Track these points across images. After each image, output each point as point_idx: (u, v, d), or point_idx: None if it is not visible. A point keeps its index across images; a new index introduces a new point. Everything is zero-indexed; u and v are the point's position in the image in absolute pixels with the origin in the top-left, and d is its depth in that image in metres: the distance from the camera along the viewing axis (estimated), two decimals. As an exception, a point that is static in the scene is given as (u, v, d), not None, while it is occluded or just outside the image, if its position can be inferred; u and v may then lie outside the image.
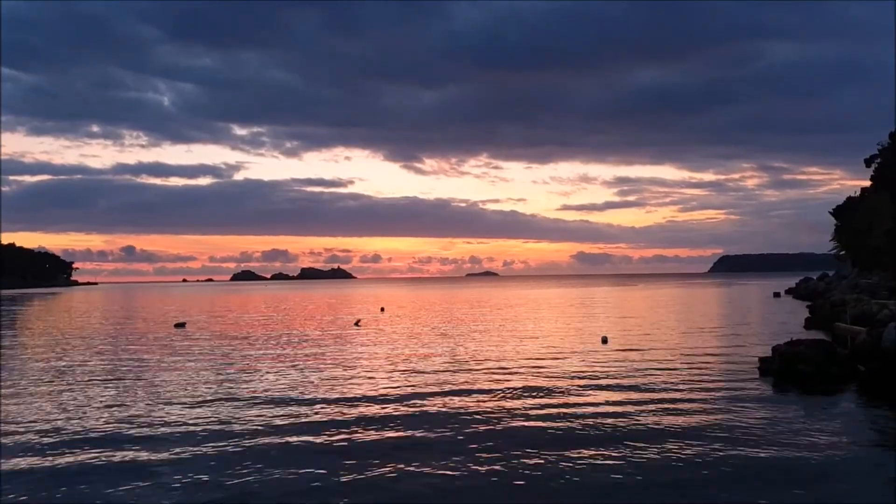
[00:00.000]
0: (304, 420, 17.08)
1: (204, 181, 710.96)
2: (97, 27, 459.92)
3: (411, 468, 12.87)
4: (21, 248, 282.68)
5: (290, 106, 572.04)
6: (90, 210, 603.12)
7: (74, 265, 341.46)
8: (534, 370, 24.96)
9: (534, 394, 20.18)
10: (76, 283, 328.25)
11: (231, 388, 21.93)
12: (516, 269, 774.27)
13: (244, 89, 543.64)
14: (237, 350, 33.36)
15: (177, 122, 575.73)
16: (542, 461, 13.15)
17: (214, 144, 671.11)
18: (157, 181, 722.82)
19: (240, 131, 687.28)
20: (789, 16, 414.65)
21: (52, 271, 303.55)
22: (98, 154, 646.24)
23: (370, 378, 23.78)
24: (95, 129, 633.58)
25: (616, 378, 22.81)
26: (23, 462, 13.60)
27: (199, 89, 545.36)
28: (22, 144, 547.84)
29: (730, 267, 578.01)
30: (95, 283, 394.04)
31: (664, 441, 14.52)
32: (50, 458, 13.82)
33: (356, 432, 15.74)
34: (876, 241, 54.98)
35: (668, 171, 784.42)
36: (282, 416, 17.58)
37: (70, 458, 13.79)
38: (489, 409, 18.04)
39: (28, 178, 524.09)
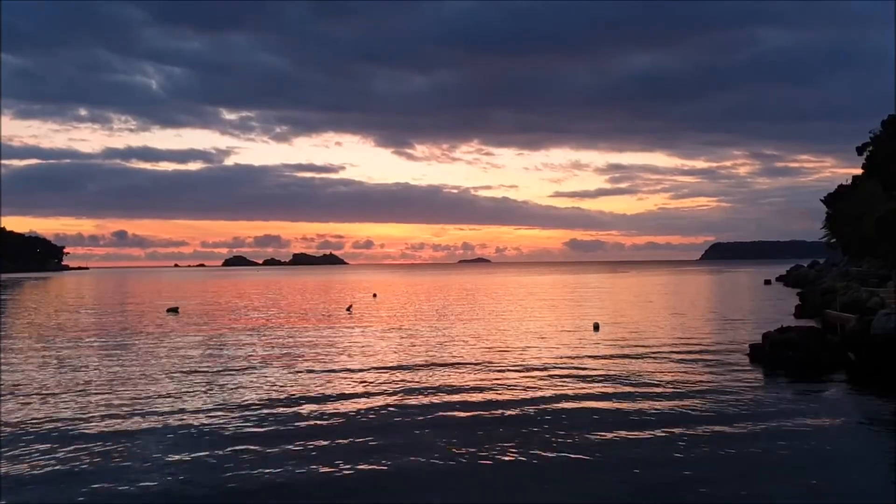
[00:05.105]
0: (294, 407, 17.06)
1: (194, 166, 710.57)
2: (84, 9, 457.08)
3: (405, 461, 12.87)
4: (12, 233, 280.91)
5: (280, 90, 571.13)
6: (80, 194, 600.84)
7: (66, 250, 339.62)
8: (525, 357, 25.03)
9: (525, 381, 20.24)
10: (67, 268, 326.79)
11: (223, 374, 21.91)
12: (508, 256, 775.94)
13: (233, 73, 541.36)
14: (229, 335, 33.32)
15: (165, 106, 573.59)
16: (533, 451, 13.18)
17: (204, 129, 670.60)
18: (147, 165, 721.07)
19: (229, 115, 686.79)
20: (783, 2, 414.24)
21: (43, 256, 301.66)
22: (87, 138, 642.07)
23: (361, 364, 23.79)
24: (83, 112, 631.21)
25: (607, 365, 22.91)
26: (14, 454, 13.57)
27: (187, 73, 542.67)
28: (10, 128, 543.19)
29: (721, 254, 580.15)
30: (87, 268, 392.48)
31: (654, 428, 14.59)
32: (40, 450, 13.76)
33: (347, 421, 15.76)
34: (867, 229, 55.18)
35: (659, 158, 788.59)
36: (273, 403, 17.57)
37: (60, 451, 13.68)
38: (479, 398, 18.08)
39: (16, 163, 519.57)
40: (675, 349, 26.43)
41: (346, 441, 13.80)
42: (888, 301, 28.95)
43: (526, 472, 11.84)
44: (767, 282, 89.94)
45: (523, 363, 23.38)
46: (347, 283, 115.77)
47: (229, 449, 13.25)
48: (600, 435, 14.02)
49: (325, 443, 13.69)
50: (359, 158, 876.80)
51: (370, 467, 12.14)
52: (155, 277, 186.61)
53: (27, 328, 38.45)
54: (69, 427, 15.02)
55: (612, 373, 21.24)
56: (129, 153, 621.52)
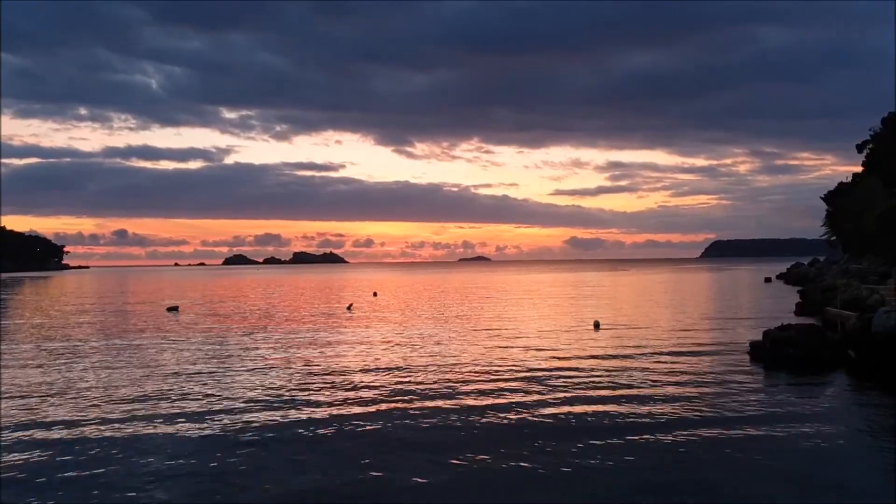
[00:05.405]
0: (294, 410, 17.02)
1: (195, 165, 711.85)
2: (84, 9, 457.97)
3: (403, 463, 12.83)
4: (12, 232, 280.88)
5: (280, 89, 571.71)
6: (80, 193, 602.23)
7: (66, 249, 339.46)
8: (526, 356, 25.01)
9: (525, 381, 20.19)
10: (68, 267, 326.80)
11: (221, 373, 21.89)
12: (509, 254, 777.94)
13: (233, 72, 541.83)
14: (229, 334, 33.30)
15: (165, 105, 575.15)
16: (532, 453, 13.12)
17: (204, 127, 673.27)
18: (148, 164, 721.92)
19: (229, 114, 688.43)
20: (783, 1, 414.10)
21: (43, 255, 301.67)
22: (87, 137, 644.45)
23: (361, 364, 23.76)
24: (83, 111, 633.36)
25: (607, 365, 22.87)
26: (13, 455, 13.54)
27: (187, 72, 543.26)
28: (10, 127, 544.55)
29: (721, 252, 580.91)
30: (87, 267, 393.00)
31: (655, 429, 14.53)
32: (39, 452, 13.73)
33: (346, 424, 15.70)
34: (867, 227, 55.13)
35: (659, 157, 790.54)
36: (272, 405, 17.53)
37: (59, 453, 13.63)
38: (479, 399, 18.00)
39: (16, 161, 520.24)
40: (675, 347, 26.40)
41: (344, 444, 13.78)
42: (888, 298, 28.94)
43: (525, 475, 11.77)
44: (768, 279, 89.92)
45: (524, 363, 23.36)
46: (348, 282, 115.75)
47: (227, 452, 13.20)
48: (599, 436, 13.96)
49: (325, 446, 13.66)
50: (359, 157, 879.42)
51: (368, 470, 12.07)
52: (155, 276, 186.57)
53: (27, 327, 38.42)
54: (68, 429, 14.98)
55: (613, 373, 21.21)
56: (130, 152, 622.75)
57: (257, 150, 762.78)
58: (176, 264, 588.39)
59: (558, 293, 70.23)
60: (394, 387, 19.23)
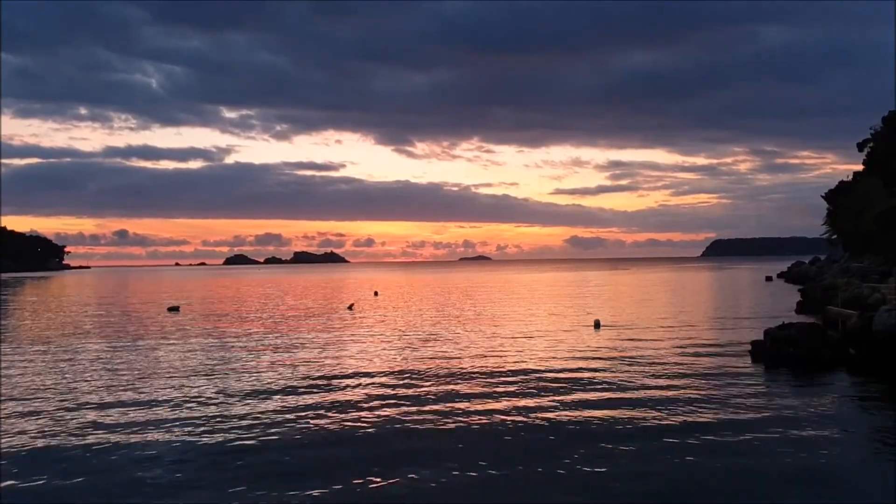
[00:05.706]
0: (294, 408, 17.01)
1: (195, 164, 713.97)
2: (84, 9, 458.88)
3: (402, 461, 12.79)
4: (13, 232, 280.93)
5: (280, 89, 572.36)
6: (81, 193, 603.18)
7: (67, 249, 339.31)
8: (526, 355, 25.01)
9: (525, 381, 20.17)
10: (68, 268, 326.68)
11: (223, 374, 21.89)
12: (509, 254, 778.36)
13: (233, 72, 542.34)
14: (230, 334, 33.30)
15: (165, 105, 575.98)
16: (531, 454, 13.06)
17: (204, 127, 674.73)
18: (148, 164, 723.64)
19: (229, 114, 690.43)
20: (783, 0, 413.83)
21: (44, 255, 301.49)
22: (87, 137, 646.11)
23: (362, 365, 23.76)
24: (83, 111, 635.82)
25: (608, 366, 22.85)
26: (13, 456, 13.53)
27: (187, 71, 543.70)
28: (10, 127, 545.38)
29: (722, 251, 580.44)
30: (88, 267, 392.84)
31: (655, 428, 14.53)
32: (39, 454, 13.72)
33: (347, 421, 15.71)
34: (867, 226, 55.09)
35: (660, 155, 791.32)
36: (272, 405, 17.53)
37: (58, 455, 13.63)
38: (480, 402, 17.94)
39: (17, 161, 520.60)
40: (676, 346, 26.39)
41: (344, 445, 13.77)
42: (889, 297, 28.91)
43: (524, 476, 11.74)
44: (769, 278, 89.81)
45: (524, 363, 23.34)
46: (349, 282, 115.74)
47: (226, 456, 13.17)
48: (599, 437, 13.94)
49: (324, 448, 13.63)
50: (359, 156, 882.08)
51: (367, 472, 12.02)
52: (156, 276, 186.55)
53: (27, 328, 38.41)
54: (68, 431, 14.95)
55: (613, 372, 21.19)
56: (130, 152, 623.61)
57: (257, 149, 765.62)
58: (177, 264, 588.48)
59: (559, 292, 70.21)
60: (394, 387, 19.20)
